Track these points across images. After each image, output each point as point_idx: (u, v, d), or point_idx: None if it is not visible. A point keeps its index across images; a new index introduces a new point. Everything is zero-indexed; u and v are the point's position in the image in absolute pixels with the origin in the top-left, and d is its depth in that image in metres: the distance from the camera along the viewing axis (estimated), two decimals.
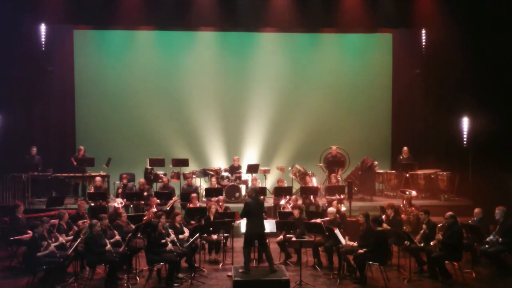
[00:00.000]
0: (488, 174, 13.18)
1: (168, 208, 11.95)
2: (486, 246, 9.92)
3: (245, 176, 14.56)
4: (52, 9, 14.13)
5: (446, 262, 9.49)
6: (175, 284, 9.32)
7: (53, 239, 9.37)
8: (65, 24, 15.13)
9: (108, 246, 9.24)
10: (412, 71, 16.11)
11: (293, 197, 12.33)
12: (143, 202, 12.48)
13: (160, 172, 14.28)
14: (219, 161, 16.00)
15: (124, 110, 16.06)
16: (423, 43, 15.79)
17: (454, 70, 14.61)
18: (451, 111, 14.83)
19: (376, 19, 14.88)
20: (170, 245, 9.41)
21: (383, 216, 10.60)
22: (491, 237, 9.86)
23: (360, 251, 9.36)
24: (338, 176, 14.18)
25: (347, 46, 16.64)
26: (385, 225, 10.15)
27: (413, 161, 14.64)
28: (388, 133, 16.54)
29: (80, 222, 10.56)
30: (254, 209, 9.57)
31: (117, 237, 9.63)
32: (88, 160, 14.26)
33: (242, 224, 10.56)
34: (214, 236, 10.61)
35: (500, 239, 9.77)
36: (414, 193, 12.74)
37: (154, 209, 11.64)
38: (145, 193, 12.67)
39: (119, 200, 12.02)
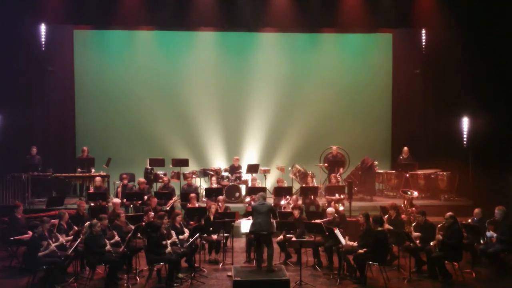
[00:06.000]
0: (488, 174, 13.18)
1: (168, 208, 11.94)
2: (481, 241, 9.97)
3: (245, 176, 14.56)
4: (52, 9, 14.15)
5: (446, 262, 9.50)
6: (175, 284, 9.32)
7: (53, 239, 9.38)
8: (65, 24, 15.14)
9: (108, 247, 9.25)
10: (412, 71, 16.09)
11: (293, 197, 12.33)
12: (140, 202, 12.43)
13: (160, 172, 14.26)
14: (219, 161, 15.98)
15: (124, 110, 16.03)
16: (423, 43, 15.77)
17: (454, 70, 14.63)
18: (451, 111, 14.83)
19: (376, 19, 14.88)
20: (169, 248, 9.39)
21: (385, 216, 10.60)
22: (488, 233, 9.89)
23: (360, 251, 9.37)
24: (338, 176, 14.17)
25: (347, 46, 16.60)
26: (387, 226, 10.15)
27: (413, 161, 14.62)
28: (388, 133, 16.51)
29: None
30: (258, 209, 9.74)
31: (117, 237, 9.65)
32: (88, 160, 14.27)
33: (242, 223, 10.61)
34: (214, 236, 10.61)
35: (495, 235, 9.81)
36: (415, 193, 12.72)
37: None
38: (145, 197, 12.59)
39: (117, 199, 11.98)
